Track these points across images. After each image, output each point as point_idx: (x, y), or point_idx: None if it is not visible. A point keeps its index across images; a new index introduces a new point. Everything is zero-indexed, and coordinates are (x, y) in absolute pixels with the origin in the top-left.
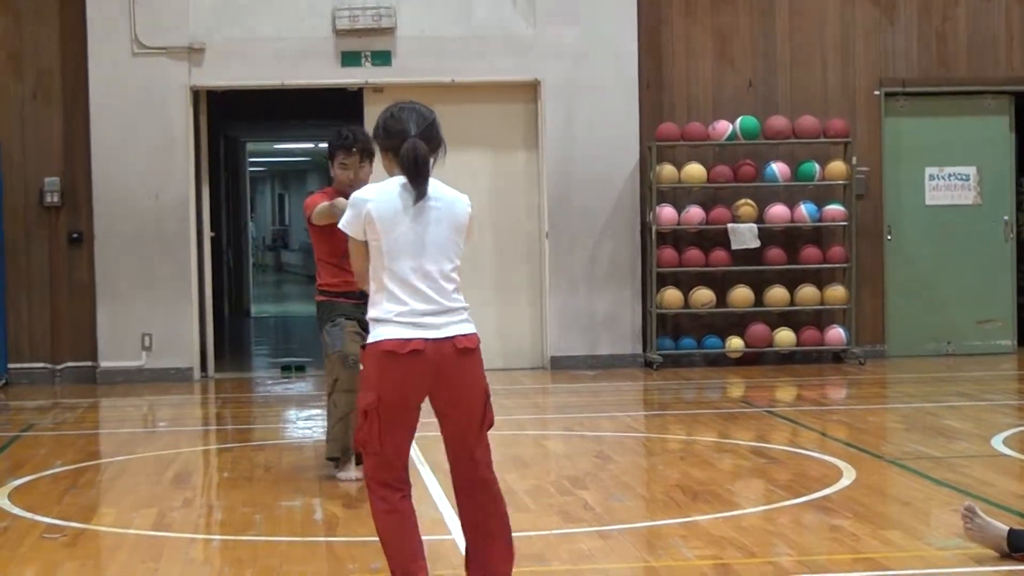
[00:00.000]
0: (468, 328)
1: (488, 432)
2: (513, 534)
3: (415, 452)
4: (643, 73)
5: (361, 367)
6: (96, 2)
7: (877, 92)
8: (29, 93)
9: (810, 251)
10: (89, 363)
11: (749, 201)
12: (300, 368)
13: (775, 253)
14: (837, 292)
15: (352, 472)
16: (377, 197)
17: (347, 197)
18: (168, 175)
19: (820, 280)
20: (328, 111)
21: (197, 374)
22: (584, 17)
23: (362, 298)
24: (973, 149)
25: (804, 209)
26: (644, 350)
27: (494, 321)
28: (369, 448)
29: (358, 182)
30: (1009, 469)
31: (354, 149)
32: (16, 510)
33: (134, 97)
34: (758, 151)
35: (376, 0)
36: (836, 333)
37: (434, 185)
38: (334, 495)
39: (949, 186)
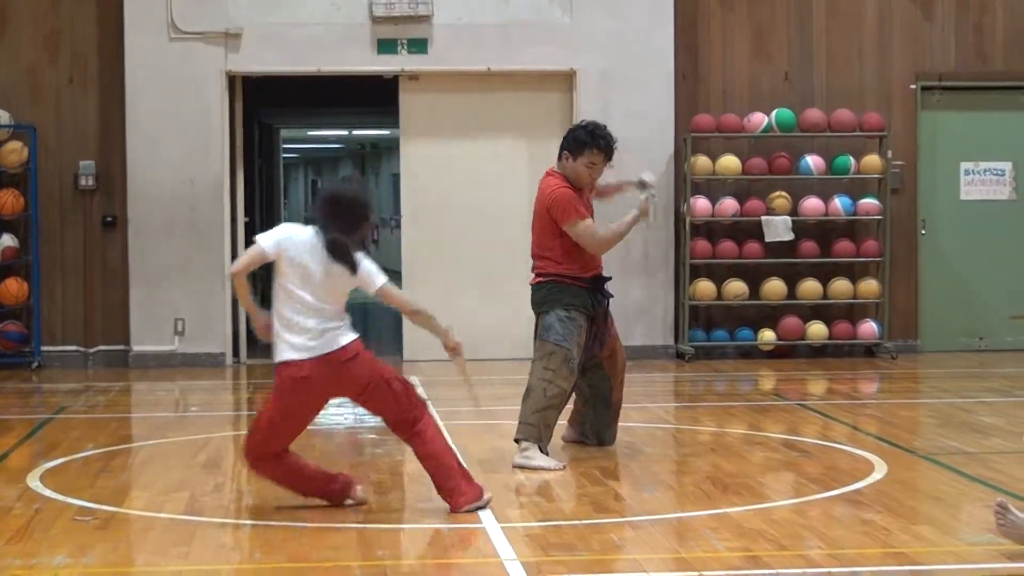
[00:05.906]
0: None
1: None
2: (544, 523)
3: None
4: (679, 64)
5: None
6: None
7: (913, 86)
8: (65, 77)
9: (844, 245)
10: (122, 347)
11: (783, 194)
12: None
13: (809, 246)
14: (870, 286)
15: (546, 460)
16: None
17: (580, 194)
18: (203, 160)
19: (853, 274)
20: (363, 99)
21: (229, 359)
22: (621, 7)
23: (594, 282)
24: (1009, 144)
25: (838, 202)
26: (676, 341)
27: (526, 311)
28: None
29: (595, 184)
30: None
31: (609, 154)
32: (48, 492)
33: (170, 82)
34: (793, 144)
35: None
36: (869, 327)
37: None
38: (365, 482)
39: (984, 181)
